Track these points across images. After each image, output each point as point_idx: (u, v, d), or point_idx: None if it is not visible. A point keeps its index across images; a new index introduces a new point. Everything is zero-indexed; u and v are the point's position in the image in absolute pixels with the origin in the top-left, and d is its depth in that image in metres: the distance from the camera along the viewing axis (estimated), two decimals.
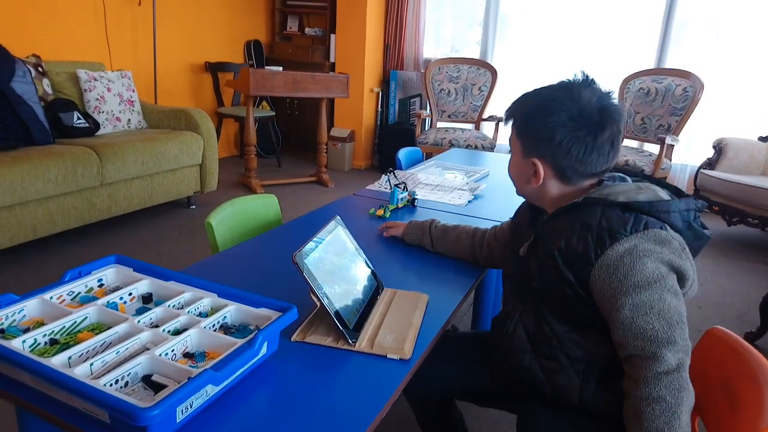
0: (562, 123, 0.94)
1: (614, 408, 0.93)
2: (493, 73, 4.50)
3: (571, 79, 0.98)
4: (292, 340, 0.95)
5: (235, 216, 1.63)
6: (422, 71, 4.97)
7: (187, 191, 3.50)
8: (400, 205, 1.76)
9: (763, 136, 3.67)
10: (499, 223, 1.34)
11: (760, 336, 2.26)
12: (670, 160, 3.82)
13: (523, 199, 1.20)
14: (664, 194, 0.94)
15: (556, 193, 1.01)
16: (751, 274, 3.09)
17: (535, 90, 1.01)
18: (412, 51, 5.03)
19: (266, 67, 3.96)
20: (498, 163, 2.69)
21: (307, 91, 4.09)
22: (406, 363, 0.92)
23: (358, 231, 1.54)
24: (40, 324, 0.89)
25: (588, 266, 0.89)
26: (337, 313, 0.95)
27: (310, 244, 1.00)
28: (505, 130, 4.66)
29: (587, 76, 0.98)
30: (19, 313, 0.89)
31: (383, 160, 5.02)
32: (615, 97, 0.97)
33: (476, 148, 4.16)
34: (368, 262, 1.18)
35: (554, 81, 1.01)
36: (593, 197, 0.94)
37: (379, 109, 5.13)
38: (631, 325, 0.85)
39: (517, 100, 1.03)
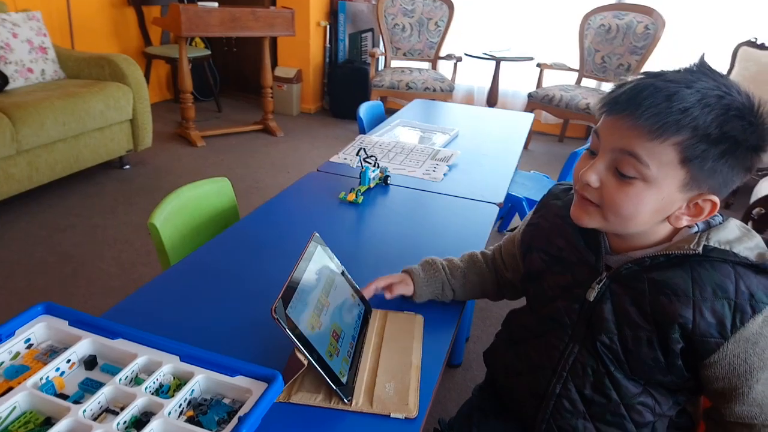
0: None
1: None
2: (450, 6, 4.20)
3: (696, 65, 0.72)
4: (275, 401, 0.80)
5: (183, 210, 1.40)
6: (374, 3, 4.59)
7: (119, 150, 3.14)
8: (372, 185, 1.58)
9: (748, 92, 3.63)
10: (481, 203, 1.14)
11: None
12: None
13: (533, 208, 1.01)
14: (759, 238, 0.78)
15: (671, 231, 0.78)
16: None
17: (700, 87, 0.67)
18: None
19: (199, 3, 3.50)
20: (462, 117, 2.52)
21: (248, 30, 3.69)
22: (413, 422, 0.79)
23: (329, 225, 1.36)
24: None
25: (720, 339, 0.72)
26: (328, 369, 0.80)
27: (289, 287, 0.82)
28: (468, 71, 4.53)
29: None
30: None
31: (334, 102, 4.71)
32: None
33: (434, 90, 3.95)
34: (353, 282, 1.02)
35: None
36: (716, 248, 0.73)
37: (328, 45, 4.75)
38: (764, 399, 0.74)
39: (672, 95, 0.66)
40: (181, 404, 0.73)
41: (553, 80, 4.11)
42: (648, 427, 0.84)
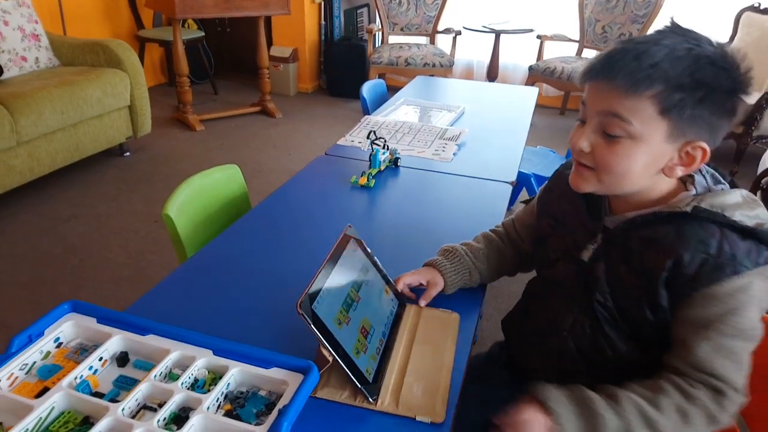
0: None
1: None
2: None
3: (672, 25, 0.75)
4: None
5: (195, 198, 1.39)
6: None
7: (119, 138, 3.11)
8: (382, 168, 1.57)
9: (721, 43, 3.59)
10: (494, 182, 1.13)
11: None
12: None
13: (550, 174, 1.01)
14: (764, 209, 0.78)
15: (669, 183, 0.80)
16: None
17: (668, 43, 0.70)
18: None
19: None
20: (466, 93, 2.49)
21: (242, 10, 3.62)
22: (439, 427, 0.76)
23: (343, 211, 1.36)
24: None
25: (691, 290, 0.74)
26: (354, 366, 0.78)
27: (318, 282, 0.80)
28: (468, 44, 4.45)
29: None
30: None
31: (332, 81, 4.65)
32: None
33: (434, 66, 3.90)
34: (387, 276, 0.99)
35: None
36: (706, 209, 0.74)
37: (323, 22, 4.67)
38: (704, 362, 0.74)
39: (641, 53, 0.70)
40: (218, 398, 0.73)
41: (554, 52, 4.06)
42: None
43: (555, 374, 0.90)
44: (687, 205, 0.75)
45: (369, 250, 0.98)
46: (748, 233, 0.73)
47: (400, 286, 0.99)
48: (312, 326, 0.74)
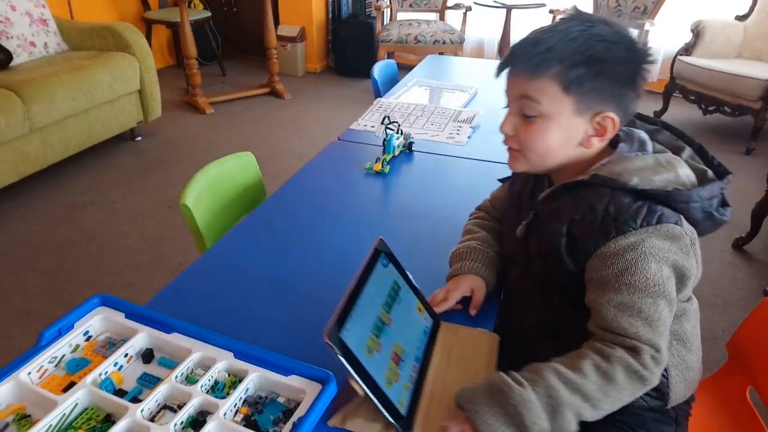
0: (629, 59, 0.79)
1: None
2: None
3: (571, 12, 0.82)
4: (328, 424, 0.73)
5: (211, 187, 1.40)
6: None
7: (130, 123, 3.10)
8: (396, 153, 1.56)
9: (740, 14, 3.50)
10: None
11: (748, 241, 2.28)
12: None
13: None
14: (684, 170, 0.80)
15: (592, 154, 0.85)
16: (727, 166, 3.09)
17: (562, 28, 0.78)
18: None
19: None
20: (478, 73, 2.45)
21: None
22: None
23: (359, 198, 1.35)
24: (21, 414, 0.72)
25: (585, 256, 0.79)
26: (386, 400, 0.71)
27: (346, 305, 0.73)
28: (477, 21, 4.35)
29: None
30: None
31: (340, 60, 4.59)
32: None
33: (444, 43, 3.83)
34: (420, 291, 0.91)
35: None
36: (602, 176, 0.79)
37: (330, 0, 4.59)
38: (612, 324, 0.73)
39: (538, 40, 0.78)
40: (236, 404, 0.73)
41: None
42: None
43: (521, 346, 0.91)
44: (586, 174, 0.81)
45: (401, 265, 0.90)
46: (641, 195, 0.77)
47: (443, 308, 0.93)
48: (342, 359, 0.67)
